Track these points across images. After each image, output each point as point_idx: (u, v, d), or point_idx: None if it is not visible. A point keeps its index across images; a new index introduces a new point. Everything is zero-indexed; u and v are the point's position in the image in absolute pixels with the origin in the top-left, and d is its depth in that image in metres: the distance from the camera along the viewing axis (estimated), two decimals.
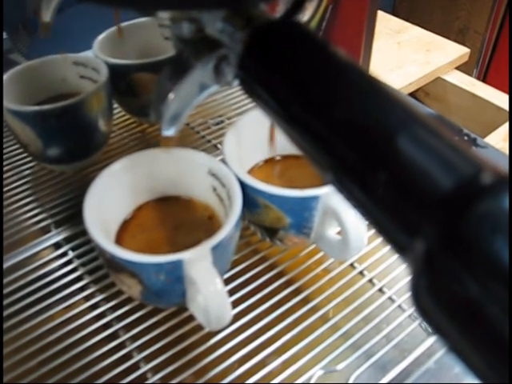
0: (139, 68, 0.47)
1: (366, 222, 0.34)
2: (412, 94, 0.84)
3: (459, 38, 1.46)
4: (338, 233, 0.36)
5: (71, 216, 0.44)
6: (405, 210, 0.16)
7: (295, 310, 0.36)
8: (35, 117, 0.42)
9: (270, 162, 0.42)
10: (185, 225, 0.38)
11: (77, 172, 0.48)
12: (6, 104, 0.42)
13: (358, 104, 0.18)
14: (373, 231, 0.40)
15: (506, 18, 1.23)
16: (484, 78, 1.31)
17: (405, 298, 0.38)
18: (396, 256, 0.40)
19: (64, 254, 0.41)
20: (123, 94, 0.50)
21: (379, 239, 0.41)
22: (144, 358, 0.34)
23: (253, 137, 0.40)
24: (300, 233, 0.36)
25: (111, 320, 0.36)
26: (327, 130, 0.18)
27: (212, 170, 0.36)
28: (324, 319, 0.36)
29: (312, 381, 0.33)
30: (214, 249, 0.30)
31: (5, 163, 0.49)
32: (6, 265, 0.40)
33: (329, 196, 0.33)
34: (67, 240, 0.42)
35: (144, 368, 0.33)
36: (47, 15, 0.40)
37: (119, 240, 0.36)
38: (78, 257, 0.40)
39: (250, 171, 0.42)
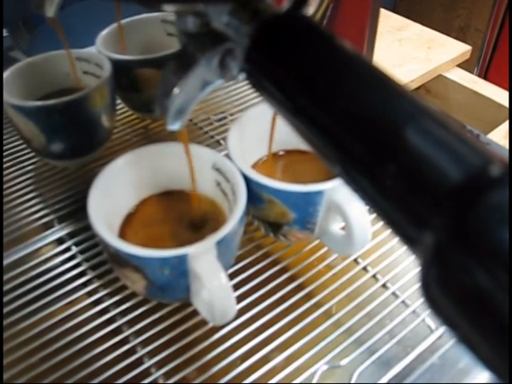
0: (142, 64, 0.47)
1: (373, 216, 0.34)
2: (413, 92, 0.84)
3: (460, 36, 1.46)
4: (342, 228, 0.36)
5: (74, 211, 0.44)
6: (414, 202, 0.16)
7: (298, 305, 0.36)
8: (38, 112, 0.41)
9: (273, 156, 0.42)
10: (188, 219, 0.37)
11: (79, 167, 0.48)
12: (10, 99, 0.42)
13: (365, 96, 0.18)
14: (377, 226, 0.40)
15: (507, 16, 1.23)
16: (485, 76, 1.31)
17: (409, 293, 0.38)
18: (400, 251, 0.40)
19: (67, 250, 0.41)
20: (126, 89, 0.50)
21: (383, 234, 0.41)
22: (148, 352, 0.34)
23: (256, 132, 0.40)
24: (304, 228, 0.36)
25: (115, 315, 0.36)
26: (335, 123, 0.18)
27: (216, 164, 0.36)
28: (327, 315, 0.36)
29: (316, 376, 0.33)
30: (219, 243, 0.30)
31: (7, 158, 0.49)
32: (9, 260, 0.40)
33: (333, 191, 0.33)
34: (70, 235, 0.42)
35: (148, 363, 0.33)
36: (50, 11, 0.40)
37: (122, 234, 0.36)
38: (82, 252, 0.40)
39: (254, 166, 0.42)
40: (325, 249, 0.40)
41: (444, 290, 0.14)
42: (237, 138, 0.38)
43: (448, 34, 0.92)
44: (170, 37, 0.53)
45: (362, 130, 0.17)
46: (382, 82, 0.18)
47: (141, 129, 0.53)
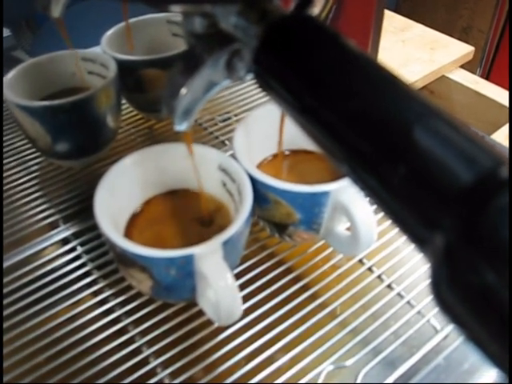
0: (147, 64, 0.47)
1: (378, 217, 0.34)
2: None
3: (463, 37, 1.46)
4: (348, 229, 0.36)
5: (79, 211, 0.44)
6: (424, 203, 0.16)
7: (304, 306, 0.36)
8: (44, 112, 0.42)
9: (278, 157, 0.42)
10: (194, 219, 0.38)
11: (84, 167, 0.48)
12: (15, 99, 0.42)
13: (374, 96, 0.18)
14: (382, 227, 0.40)
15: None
16: (487, 77, 1.31)
17: (414, 294, 0.38)
18: (405, 252, 0.40)
19: (72, 250, 0.41)
20: (131, 89, 0.50)
21: (388, 235, 0.41)
22: (153, 353, 0.34)
23: (262, 132, 0.40)
24: (309, 228, 0.36)
25: (120, 315, 0.36)
26: (346, 123, 0.18)
27: (222, 165, 0.36)
28: (332, 315, 0.36)
29: (321, 376, 0.33)
30: (225, 244, 0.30)
31: (12, 158, 0.49)
32: (14, 260, 0.40)
33: (339, 191, 0.33)
34: (75, 235, 0.42)
35: (153, 363, 0.33)
36: (56, 11, 0.40)
37: (128, 234, 0.36)
38: (87, 252, 0.40)
39: (259, 166, 0.42)
40: (330, 249, 0.40)
41: (454, 289, 0.14)
42: (243, 138, 0.38)
43: (450, 35, 0.92)
44: (175, 37, 0.53)
45: (371, 130, 0.18)
46: (390, 82, 0.18)
47: (145, 129, 0.53)
